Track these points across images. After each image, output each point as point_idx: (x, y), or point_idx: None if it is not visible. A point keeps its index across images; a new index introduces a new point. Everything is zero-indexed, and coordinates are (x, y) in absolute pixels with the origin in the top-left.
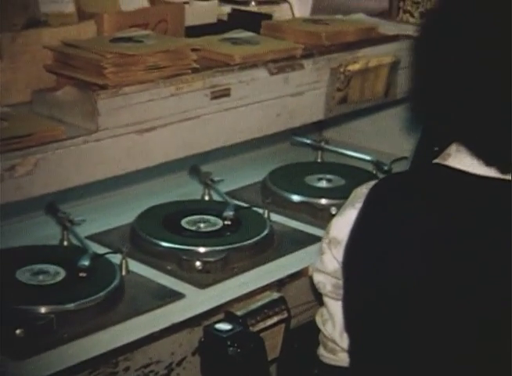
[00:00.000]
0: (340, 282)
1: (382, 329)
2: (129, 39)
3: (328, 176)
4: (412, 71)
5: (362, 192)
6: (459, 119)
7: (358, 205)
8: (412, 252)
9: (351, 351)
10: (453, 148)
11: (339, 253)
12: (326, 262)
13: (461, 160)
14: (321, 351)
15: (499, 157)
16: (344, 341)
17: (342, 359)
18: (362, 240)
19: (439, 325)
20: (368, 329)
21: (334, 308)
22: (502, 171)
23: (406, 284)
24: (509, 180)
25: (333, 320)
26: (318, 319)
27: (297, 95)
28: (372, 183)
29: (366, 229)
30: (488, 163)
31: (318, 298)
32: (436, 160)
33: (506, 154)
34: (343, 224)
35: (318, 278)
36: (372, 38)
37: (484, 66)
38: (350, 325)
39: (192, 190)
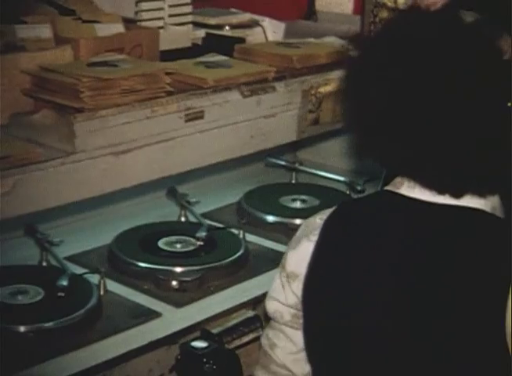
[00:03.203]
0: (300, 313)
1: (343, 359)
2: (105, 63)
3: (302, 197)
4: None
5: (316, 223)
6: (399, 158)
7: (314, 238)
8: (368, 284)
9: None
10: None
11: (298, 288)
12: (287, 296)
13: (413, 188)
14: (259, 373)
15: (449, 185)
16: (296, 367)
17: None
18: (321, 274)
19: (395, 355)
20: (329, 359)
21: (294, 337)
22: (456, 197)
23: (363, 316)
24: (461, 206)
25: (289, 347)
26: (264, 342)
27: (270, 117)
28: (325, 213)
29: (324, 263)
30: (440, 192)
31: None
32: (389, 188)
33: (455, 181)
34: (299, 258)
35: (274, 307)
36: (343, 61)
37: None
38: (312, 355)
39: (169, 212)
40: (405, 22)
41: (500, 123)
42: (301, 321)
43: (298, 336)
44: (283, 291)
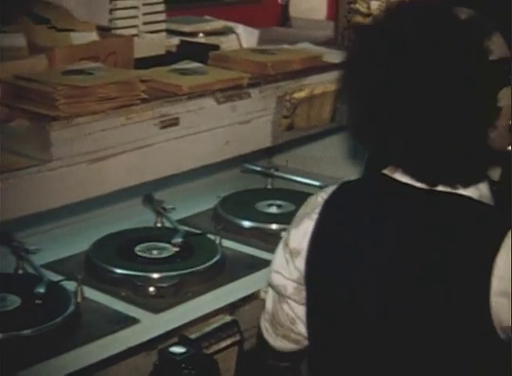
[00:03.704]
0: (301, 287)
1: (339, 335)
2: (80, 72)
3: (278, 202)
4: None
5: (317, 202)
6: (386, 146)
7: (315, 216)
8: (362, 264)
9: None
10: None
11: (301, 264)
12: (291, 271)
13: (406, 174)
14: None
15: (426, 174)
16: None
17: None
18: (321, 252)
19: (387, 333)
20: (327, 334)
21: (296, 310)
22: (431, 186)
23: (357, 294)
24: (448, 192)
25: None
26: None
27: (245, 123)
28: (327, 192)
29: (324, 241)
30: (418, 180)
31: None
32: (385, 172)
33: (430, 171)
34: (301, 235)
35: (279, 282)
36: (317, 66)
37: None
38: (311, 329)
39: (146, 218)
40: (398, 16)
41: (480, 120)
42: (303, 295)
43: (300, 310)
44: (287, 266)
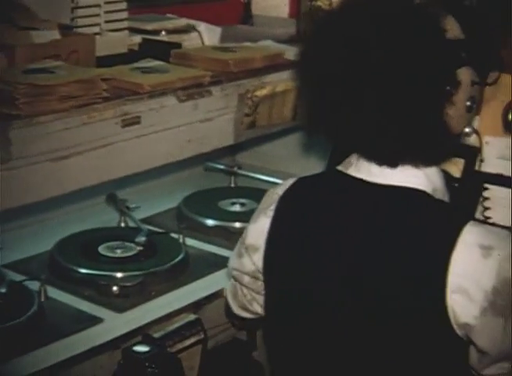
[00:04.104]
0: (258, 279)
1: (296, 327)
2: (41, 70)
3: (241, 200)
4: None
5: (273, 198)
6: (346, 131)
7: (271, 213)
8: (319, 260)
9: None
10: (354, 156)
11: (259, 259)
12: (245, 264)
13: (360, 168)
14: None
15: (386, 155)
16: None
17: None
18: (277, 248)
19: (340, 324)
20: (283, 326)
21: (253, 294)
22: (392, 166)
23: (312, 289)
24: (402, 186)
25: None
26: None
27: (207, 121)
28: (282, 188)
29: (280, 237)
30: (379, 163)
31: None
32: (340, 167)
33: (391, 151)
34: (258, 232)
35: (235, 273)
36: (279, 64)
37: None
38: (269, 321)
39: (109, 217)
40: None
41: (438, 94)
42: (259, 285)
43: (256, 295)
44: (240, 259)
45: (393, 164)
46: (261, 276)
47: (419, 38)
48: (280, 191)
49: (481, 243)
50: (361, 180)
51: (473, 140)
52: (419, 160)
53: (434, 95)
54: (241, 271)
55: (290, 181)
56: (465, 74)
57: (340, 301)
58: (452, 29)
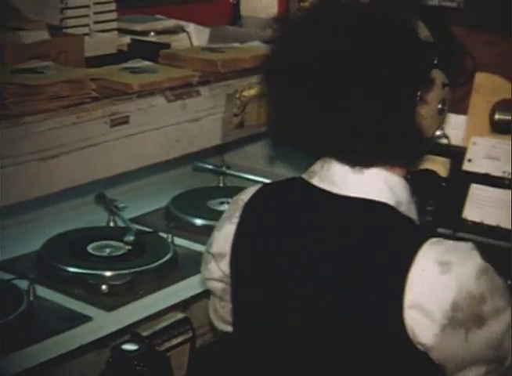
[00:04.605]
0: (226, 286)
1: (260, 333)
2: (30, 70)
3: (230, 200)
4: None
5: (238, 205)
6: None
7: (235, 220)
8: (276, 269)
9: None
10: (318, 165)
11: (226, 266)
12: (212, 271)
13: (323, 178)
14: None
15: (355, 157)
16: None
17: None
18: (243, 255)
19: (298, 331)
20: (250, 330)
21: (228, 307)
22: (366, 166)
23: (274, 297)
24: (364, 198)
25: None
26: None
27: (195, 121)
28: (247, 195)
29: (245, 245)
30: (352, 165)
31: None
32: (304, 176)
33: (361, 152)
34: (223, 239)
35: (209, 284)
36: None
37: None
38: (236, 326)
39: (98, 217)
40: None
41: (408, 97)
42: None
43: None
44: (207, 266)
45: (363, 164)
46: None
47: (392, 39)
48: (245, 198)
49: (439, 259)
50: (324, 191)
51: (460, 140)
52: (390, 160)
53: (409, 94)
54: (212, 278)
55: (255, 187)
56: (436, 76)
57: (301, 314)
58: (423, 32)
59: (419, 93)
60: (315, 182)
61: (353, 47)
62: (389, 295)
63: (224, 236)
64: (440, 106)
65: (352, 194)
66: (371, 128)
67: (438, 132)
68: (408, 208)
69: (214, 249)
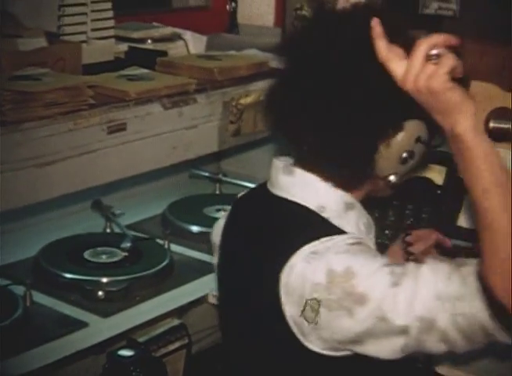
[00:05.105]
0: None
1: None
2: (28, 77)
3: (226, 207)
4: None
5: (234, 201)
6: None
7: (226, 214)
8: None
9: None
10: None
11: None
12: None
13: (272, 180)
14: None
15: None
16: None
17: None
18: (219, 249)
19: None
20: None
21: None
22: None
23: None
24: (289, 200)
25: None
26: None
27: (192, 129)
28: (242, 193)
29: (221, 242)
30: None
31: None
32: (268, 183)
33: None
34: (217, 230)
35: None
36: (263, 72)
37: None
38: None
39: (95, 223)
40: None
41: (373, 130)
42: None
43: None
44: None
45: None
46: None
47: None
48: (239, 195)
49: (308, 253)
50: (267, 191)
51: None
52: (325, 173)
53: (373, 128)
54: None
55: (253, 186)
56: (414, 126)
57: (232, 313)
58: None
59: (386, 131)
60: (268, 184)
61: (344, 66)
62: (270, 301)
63: (217, 228)
64: (405, 155)
65: (283, 195)
66: (322, 136)
67: (391, 177)
68: (336, 215)
69: (212, 240)
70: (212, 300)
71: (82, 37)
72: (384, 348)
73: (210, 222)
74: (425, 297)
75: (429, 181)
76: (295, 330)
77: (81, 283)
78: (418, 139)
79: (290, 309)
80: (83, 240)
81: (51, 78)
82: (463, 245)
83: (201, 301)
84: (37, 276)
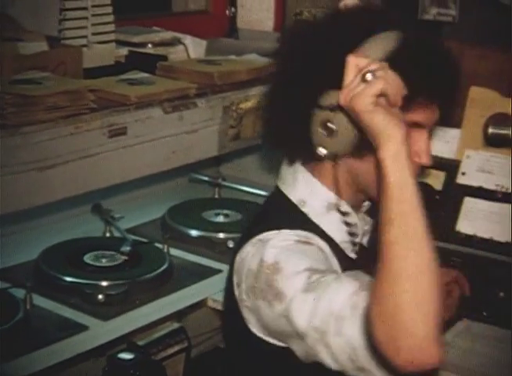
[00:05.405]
0: None
1: None
2: (29, 81)
3: (225, 211)
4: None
5: None
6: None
7: None
8: None
9: None
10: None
11: None
12: None
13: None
14: None
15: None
16: None
17: None
18: None
19: None
20: None
21: None
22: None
23: None
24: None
25: None
26: None
27: (192, 133)
28: None
29: None
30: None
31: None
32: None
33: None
34: None
35: None
36: (263, 77)
37: None
38: None
39: (94, 227)
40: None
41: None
42: None
43: None
44: None
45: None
46: None
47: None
48: None
49: (257, 240)
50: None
51: (453, 154)
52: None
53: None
54: None
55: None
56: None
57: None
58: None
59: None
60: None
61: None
62: (232, 293)
63: None
64: (326, 126)
65: (279, 185)
66: (275, 125)
67: (320, 149)
68: (319, 213)
69: None
70: (211, 304)
71: (83, 42)
72: (296, 349)
73: (210, 226)
74: (323, 310)
75: (428, 186)
76: (243, 313)
77: (81, 286)
78: (329, 108)
79: (236, 291)
80: (83, 243)
81: (52, 82)
82: (463, 251)
83: (200, 304)
84: (38, 280)
